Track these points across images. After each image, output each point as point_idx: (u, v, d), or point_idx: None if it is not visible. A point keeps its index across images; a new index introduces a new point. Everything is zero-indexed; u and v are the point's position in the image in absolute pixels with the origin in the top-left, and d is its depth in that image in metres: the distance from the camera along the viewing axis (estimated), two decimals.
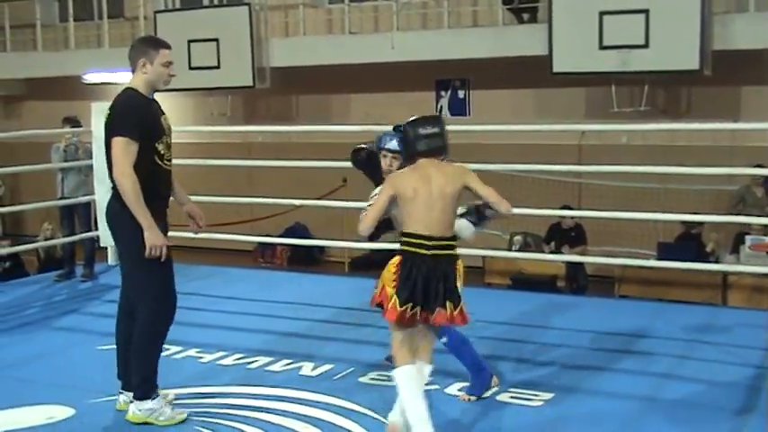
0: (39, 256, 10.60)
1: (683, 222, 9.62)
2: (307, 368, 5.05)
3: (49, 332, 6.02)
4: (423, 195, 3.77)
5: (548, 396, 4.53)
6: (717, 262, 9.57)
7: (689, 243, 9.75)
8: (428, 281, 3.75)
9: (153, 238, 4.11)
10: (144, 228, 4.10)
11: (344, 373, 4.96)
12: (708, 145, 9.76)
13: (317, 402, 4.48)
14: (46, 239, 9.62)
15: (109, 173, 4.19)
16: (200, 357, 5.28)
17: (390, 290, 3.81)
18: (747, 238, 9.34)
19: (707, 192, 9.90)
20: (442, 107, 12.43)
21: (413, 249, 3.77)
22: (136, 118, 4.12)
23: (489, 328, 5.75)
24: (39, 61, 14.05)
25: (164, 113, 4.28)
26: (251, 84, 11.99)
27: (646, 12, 9.53)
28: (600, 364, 5.04)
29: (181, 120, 14.03)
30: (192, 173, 11.92)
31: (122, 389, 4.41)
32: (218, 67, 12.22)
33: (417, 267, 3.75)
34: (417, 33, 11.64)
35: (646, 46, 9.58)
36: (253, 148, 13.01)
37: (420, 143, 3.87)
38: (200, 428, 4.19)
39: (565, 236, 10.60)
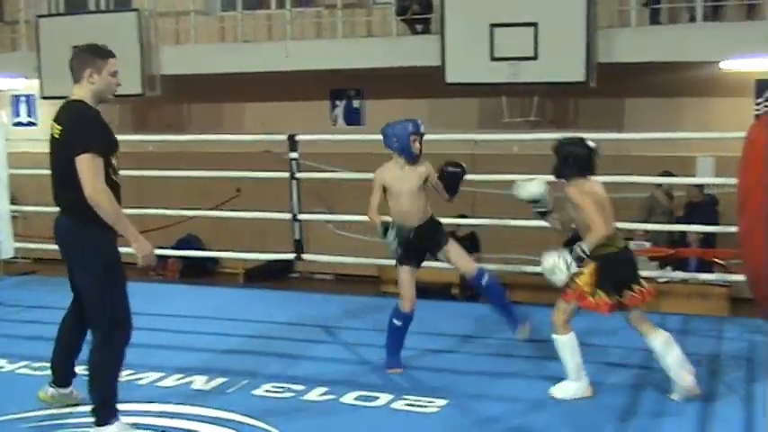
0: None
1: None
2: (199, 382, 4.93)
3: None
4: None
5: (442, 402, 4.55)
6: None
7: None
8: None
9: (144, 247, 4.05)
10: (132, 240, 4.01)
11: (238, 386, 4.86)
12: None
13: (208, 417, 4.37)
14: None
15: (62, 190, 4.03)
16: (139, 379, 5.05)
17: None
18: (632, 243, 9.67)
19: None
20: (337, 116, 12.44)
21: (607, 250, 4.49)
22: (98, 132, 4.02)
23: (382, 338, 5.76)
24: None
25: None
26: (140, 92, 11.68)
27: (535, 25, 9.78)
28: (493, 370, 5.12)
29: None
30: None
31: (52, 383, 4.43)
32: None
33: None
34: (311, 42, 11.61)
35: (535, 58, 9.82)
36: (143, 158, 12.68)
37: (594, 162, 4.67)
38: None
39: (460, 244, 10.71)
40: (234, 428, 4.21)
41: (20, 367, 5.23)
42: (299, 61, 11.07)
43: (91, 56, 4.16)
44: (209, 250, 11.38)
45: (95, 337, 4.09)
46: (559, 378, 4.66)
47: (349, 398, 4.63)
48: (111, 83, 4.16)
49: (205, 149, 11.06)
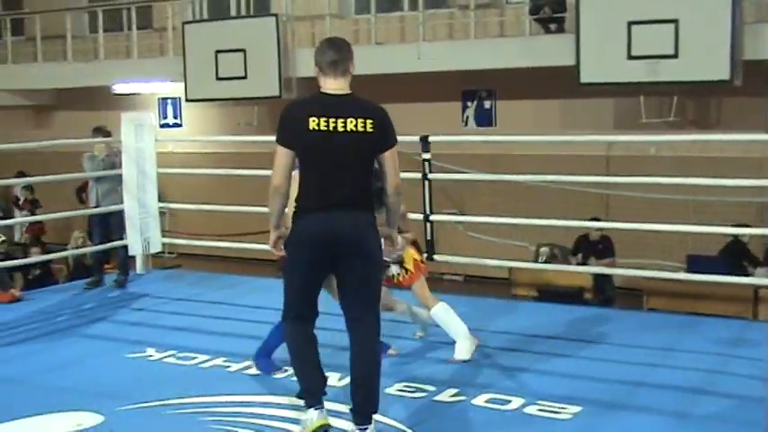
0: (68, 264, 10.70)
1: (727, 235, 9.51)
2: (333, 378, 5.05)
3: (79, 340, 6.06)
4: None
5: (576, 409, 4.49)
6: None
7: (721, 256, 9.66)
8: None
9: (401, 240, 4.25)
10: (406, 230, 4.31)
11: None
12: (738, 156, 9.66)
13: (340, 412, 4.47)
14: (76, 248, 9.70)
15: (358, 184, 3.91)
16: (228, 366, 5.28)
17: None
18: None
19: (735, 204, 9.80)
20: (468, 117, 12.42)
21: None
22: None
23: (517, 340, 5.73)
24: (69, 72, 14.22)
25: None
26: (278, 94, 12.04)
27: (675, 22, 9.48)
28: (629, 378, 4.99)
29: (207, 130, 14.15)
30: (218, 183, 12.04)
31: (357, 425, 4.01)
32: (245, 78, 12.29)
33: None
34: (444, 44, 11.65)
35: (675, 56, 9.52)
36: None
37: None
38: None
39: (592, 248, 10.53)
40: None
41: (167, 356, 5.49)
42: (432, 62, 11.14)
43: (350, 47, 4.11)
44: None
45: (369, 323, 4.02)
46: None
47: (480, 400, 4.63)
48: None
49: None
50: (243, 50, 12.24)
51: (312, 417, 3.97)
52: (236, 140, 12.35)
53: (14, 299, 7.25)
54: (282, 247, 4.05)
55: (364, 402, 3.98)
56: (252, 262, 11.16)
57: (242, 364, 5.30)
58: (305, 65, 12.08)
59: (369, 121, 3.89)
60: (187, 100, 13.12)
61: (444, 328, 5.36)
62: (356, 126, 3.87)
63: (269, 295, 6.03)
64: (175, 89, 13.63)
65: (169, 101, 14.60)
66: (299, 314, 4.03)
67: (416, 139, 7.10)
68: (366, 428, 3.97)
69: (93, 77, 13.93)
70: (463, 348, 5.28)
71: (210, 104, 13.69)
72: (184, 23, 12.90)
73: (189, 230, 11.57)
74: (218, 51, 12.33)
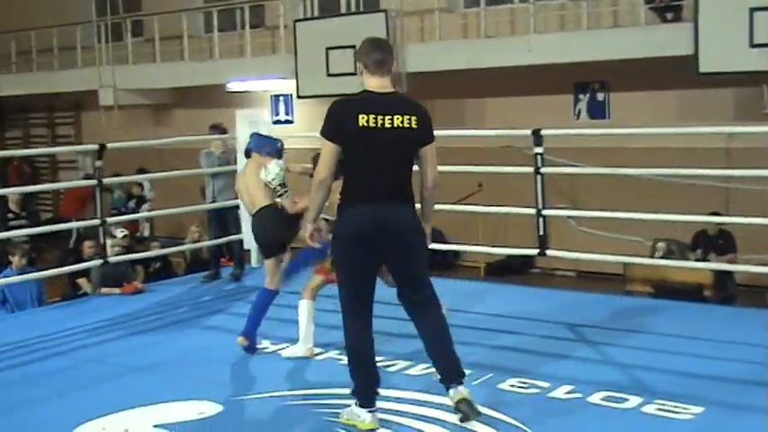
0: (185, 258, 11.05)
1: None
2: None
3: (198, 331, 6.26)
4: None
5: (698, 410, 4.35)
6: None
7: None
8: None
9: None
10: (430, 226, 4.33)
11: (483, 379, 4.92)
12: None
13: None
14: (194, 242, 10.01)
15: (404, 179, 4.12)
16: (341, 360, 5.33)
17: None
18: None
19: None
20: (580, 110, 12.18)
21: None
22: None
23: (633, 337, 5.60)
24: (185, 71, 14.68)
25: None
26: None
27: None
28: (752, 378, 4.80)
29: (318, 126, 14.34)
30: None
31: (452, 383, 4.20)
32: (355, 74, 12.35)
33: None
34: (555, 35, 11.45)
35: None
36: None
37: None
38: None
39: (712, 243, 10.17)
40: (483, 422, 4.23)
41: (282, 348, 5.62)
42: (542, 55, 10.96)
43: (392, 48, 4.36)
44: (451, 243, 11.55)
45: (434, 309, 4.25)
46: None
47: (596, 398, 4.54)
48: None
49: (448, 144, 11.26)
50: (353, 47, 12.34)
51: (366, 418, 4.16)
52: None
53: (137, 291, 7.56)
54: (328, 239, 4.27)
55: (452, 365, 4.19)
56: None
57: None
58: (414, 60, 12.11)
59: (413, 118, 4.10)
60: (298, 97, 13.34)
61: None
62: (402, 122, 4.07)
63: (386, 290, 6.08)
64: (287, 86, 13.89)
65: (281, 98, 14.89)
66: (351, 311, 4.17)
67: (528, 132, 7.00)
68: (461, 384, 4.16)
69: (208, 76, 14.34)
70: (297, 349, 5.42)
71: (321, 101, 13.87)
72: (295, 21, 13.11)
73: None
74: (328, 48, 12.48)
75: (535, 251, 7.21)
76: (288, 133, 14.02)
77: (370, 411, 4.17)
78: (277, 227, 5.65)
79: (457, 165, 9.07)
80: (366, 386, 4.20)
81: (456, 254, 12.59)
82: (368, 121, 4.03)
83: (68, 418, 4.44)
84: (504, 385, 4.79)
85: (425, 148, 4.16)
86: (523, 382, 4.81)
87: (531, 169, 6.98)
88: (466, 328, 5.95)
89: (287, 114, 14.98)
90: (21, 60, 17.70)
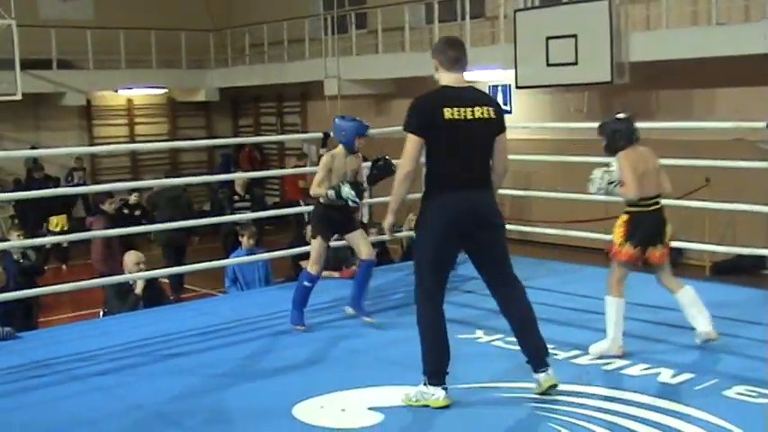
0: (402, 245, 11.32)
1: None
2: (665, 375, 4.87)
3: (414, 317, 6.39)
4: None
5: None
6: None
7: None
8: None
9: None
10: None
11: (706, 384, 4.70)
12: None
13: (674, 411, 4.30)
14: (410, 229, 10.20)
15: (486, 166, 4.50)
16: (555, 354, 5.27)
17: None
18: None
19: None
20: None
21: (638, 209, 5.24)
22: None
23: None
24: (406, 62, 14.99)
25: None
26: (609, 79, 11.77)
27: None
28: None
29: (539, 116, 14.21)
30: (550, 169, 12.07)
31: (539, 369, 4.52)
32: (575, 63, 12.15)
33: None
34: None
35: None
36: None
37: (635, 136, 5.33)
38: (555, 426, 4.21)
39: None
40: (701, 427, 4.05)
41: (495, 339, 5.65)
42: None
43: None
44: (675, 240, 11.06)
45: (521, 290, 4.56)
46: None
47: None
48: None
49: (672, 137, 10.79)
50: (574, 36, 12.11)
51: (439, 395, 4.41)
52: (564, 127, 12.28)
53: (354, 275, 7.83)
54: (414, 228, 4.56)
55: (538, 351, 4.51)
56: (580, 250, 11.08)
57: (569, 352, 5.29)
58: (638, 49, 11.69)
59: (491, 109, 4.46)
60: (517, 87, 13.27)
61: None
62: (482, 113, 4.42)
63: (595, 284, 5.95)
64: (506, 76, 13.85)
65: (500, 88, 14.87)
66: (431, 294, 4.45)
67: (763, 125, 6.56)
68: (547, 369, 4.47)
69: (428, 67, 14.52)
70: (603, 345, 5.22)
71: (540, 91, 13.72)
72: (516, 11, 13.04)
73: (519, 217, 11.74)
74: (548, 38, 12.31)
75: (766, 251, 6.75)
76: (506, 124, 14.06)
77: (443, 389, 4.42)
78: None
79: (682, 158, 8.69)
80: (441, 365, 4.45)
81: (679, 251, 12.02)
82: (453, 114, 4.35)
83: (289, 395, 4.68)
84: (730, 392, 4.56)
85: (500, 136, 4.50)
86: (752, 390, 4.56)
87: (765, 164, 6.55)
88: (677, 327, 5.70)
89: (505, 105, 14.91)
90: (254, 52, 18.87)
